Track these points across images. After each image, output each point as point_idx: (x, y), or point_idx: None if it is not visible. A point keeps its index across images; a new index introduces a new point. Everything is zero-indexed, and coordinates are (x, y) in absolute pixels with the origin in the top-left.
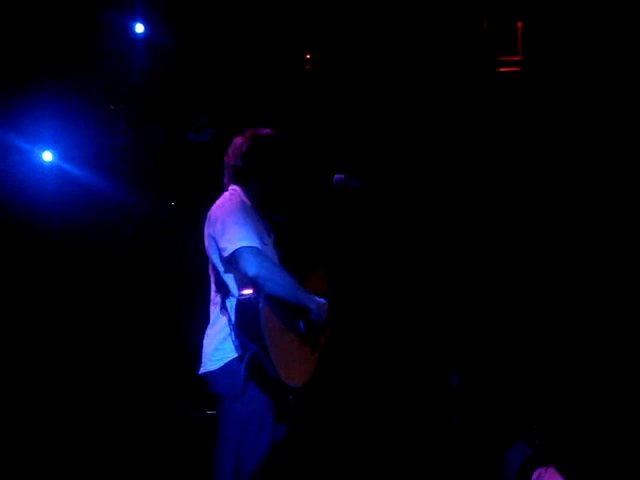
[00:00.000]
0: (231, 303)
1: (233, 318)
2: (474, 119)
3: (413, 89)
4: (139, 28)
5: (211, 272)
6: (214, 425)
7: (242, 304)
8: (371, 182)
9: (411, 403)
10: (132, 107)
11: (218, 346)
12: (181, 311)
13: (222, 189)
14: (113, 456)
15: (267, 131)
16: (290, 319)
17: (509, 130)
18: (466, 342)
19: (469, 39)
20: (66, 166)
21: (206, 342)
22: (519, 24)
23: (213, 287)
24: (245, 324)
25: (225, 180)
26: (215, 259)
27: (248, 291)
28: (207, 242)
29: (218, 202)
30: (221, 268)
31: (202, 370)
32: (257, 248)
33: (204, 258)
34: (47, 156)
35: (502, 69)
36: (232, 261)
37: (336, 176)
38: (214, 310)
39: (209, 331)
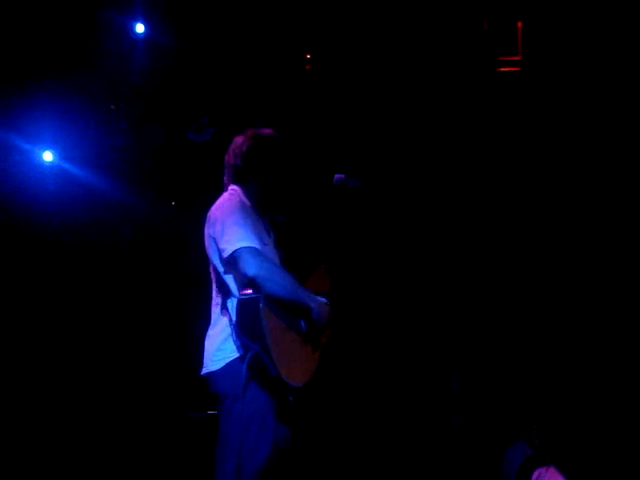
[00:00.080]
0: (232, 303)
1: (234, 318)
2: (474, 119)
3: (413, 89)
4: (139, 28)
5: (212, 272)
6: (215, 425)
7: (243, 304)
8: (371, 182)
9: (411, 403)
10: (132, 107)
11: (219, 346)
12: (182, 311)
13: (222, 189)
14: (114, 456)
15: (268, 131)
16: (291, 318)
17: (509, 130)
18: (466, 343)
19: (469, 39)
20: (66, 166)
21: (208, 343)
22: (519, 24)
23: (214, 287)
24: (246, 324)
25: (225, 179)
26: (215, 260)
27: (249, 291)
28: (207, 242)
29: (218, 202)
30: (221, 269)
31: (204, 371)
32: (256, 248)
33: (204, 258)
34: (47, 156)
35: (502, 69)
36: (232, 262)
37: (336, 176)
38: (215, 310)
39: (210, 331)
